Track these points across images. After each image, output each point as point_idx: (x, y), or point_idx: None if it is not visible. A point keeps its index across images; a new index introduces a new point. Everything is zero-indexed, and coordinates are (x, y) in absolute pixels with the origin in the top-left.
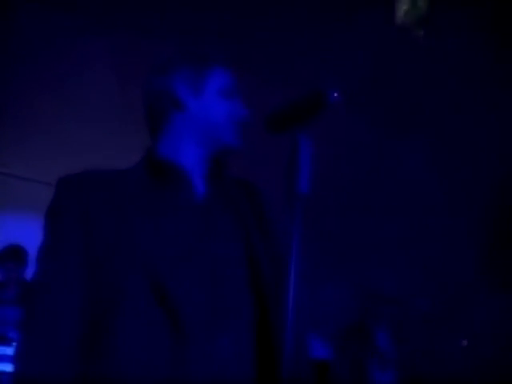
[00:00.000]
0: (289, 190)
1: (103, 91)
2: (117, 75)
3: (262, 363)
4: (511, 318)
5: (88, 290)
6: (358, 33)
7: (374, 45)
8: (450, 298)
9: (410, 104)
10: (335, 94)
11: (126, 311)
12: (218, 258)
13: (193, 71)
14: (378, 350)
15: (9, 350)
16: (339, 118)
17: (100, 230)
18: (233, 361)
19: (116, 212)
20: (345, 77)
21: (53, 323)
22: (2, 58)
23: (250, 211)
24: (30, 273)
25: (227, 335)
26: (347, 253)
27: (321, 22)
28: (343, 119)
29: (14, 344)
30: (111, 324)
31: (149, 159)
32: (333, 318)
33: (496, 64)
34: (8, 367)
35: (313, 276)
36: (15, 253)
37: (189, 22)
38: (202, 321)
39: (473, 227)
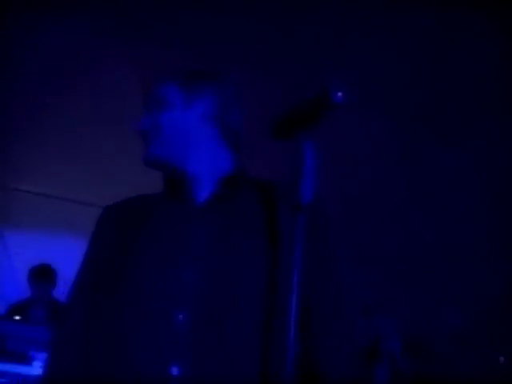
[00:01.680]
0: (292, 198)
1: (124, 101)
2: (138, 84)
3: None
4: None
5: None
6: (392, 34)
7: (405, 46)
8: (485, 312)
9: (444, 109)
10: (339, 94)
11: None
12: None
13: None
14: (392, 367)
15: (27, 370)
16: (369, 125)
17: (105, 251)
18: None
19: (122, 231)
20: (375, 81)
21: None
22: (18, 68)
23: (259, 220)
24: (59, 292)
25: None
26: (378, 264)
27: (346, 23)
28: (374, 126)
29: (35, 363)
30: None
31: None
32: None
33: None
34: None
35: None
36: (44, 272)
37: (209, 30)
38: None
39: (509, 239)
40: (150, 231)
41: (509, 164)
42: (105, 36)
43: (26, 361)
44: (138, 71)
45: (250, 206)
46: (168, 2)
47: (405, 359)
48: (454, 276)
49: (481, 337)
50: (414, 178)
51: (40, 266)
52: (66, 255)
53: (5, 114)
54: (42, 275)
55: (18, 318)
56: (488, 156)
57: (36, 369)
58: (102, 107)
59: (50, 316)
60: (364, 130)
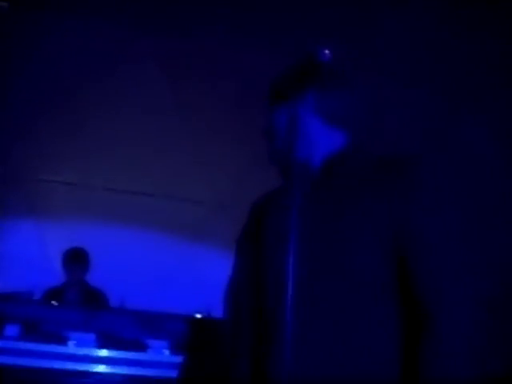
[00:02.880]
0: (287, 158)
1: (153, 90)
2: (167, 74)
3: None
4: None
5: None
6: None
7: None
8: None
9: (473, 76)
10: (326, 52)
11: None
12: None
13: None
14: None
15: (63, 349)
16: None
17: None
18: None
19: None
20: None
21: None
22: (54, 62)
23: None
24: (92, 275)
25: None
26: None
27: None
28: (407, 91)
29: (70, 343)
30: None
31: None
32: None
33: None
34: (62, 365)
35: None
36: (77, 255)
37: (238, 19)
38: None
39: None
40: (266, 226)
41: None
42: (138, 31)
43: (62, 341)
44: (170, 63)
45: (354, 182)
46: None
47: None
48: (480, 241)
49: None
50: (444, 143)
51: (73, 249)
52: (101, 243)
53: (35, 107)
54: (75, 257)
55: (53, 302)
56: None
57: (71, 348)
58: (129, 98)
59: (83, 299)
60: (398, 100)
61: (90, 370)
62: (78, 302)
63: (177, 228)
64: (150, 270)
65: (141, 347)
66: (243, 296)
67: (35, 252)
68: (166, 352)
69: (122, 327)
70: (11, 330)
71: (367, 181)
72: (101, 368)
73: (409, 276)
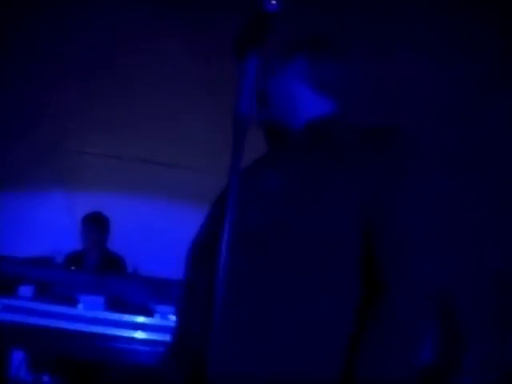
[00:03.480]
0: (233, 113)
1: (177, 65)
2: (190, 49)
3: None
4: None
5: None
6: None
7: None
8: None
9: (495, 60)
10: (273, 2)
11: None
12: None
13: None
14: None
15: (73, 311)
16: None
17: None
18: None
19: None
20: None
21: None
22: (83, 36)
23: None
24: (116, 243)
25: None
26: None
27: None
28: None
29: (79, 305)
30: None
31: None
32: None
33: None
34: (71, 326)
35: None
36: (96, 218)
37: None
38: None
39: None
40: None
41: None
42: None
43: (72, 303)
44: (193, 38)
45: (332, 149)
46: None
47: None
48: (497, 215)
49: None
50: (464, 128)
51: (91, 212)
52: (126, 212)
53: (63, 81)
54: (93, 219)
55: (73, 267)
56: None
57: (80, 310)
58: (155, 74)
59: (102, 265)
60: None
61: (98, 331)
62: (98, 267)
63: (200, 198)
64: (174, 240)
65: (148, 312)
66: (198, 260)
67: (65, 221)
68: (173, 317)
69: (131, 292)
70: (25, 290)
71: (345, 150)
72: (108, 330)
73: (372, 250)
